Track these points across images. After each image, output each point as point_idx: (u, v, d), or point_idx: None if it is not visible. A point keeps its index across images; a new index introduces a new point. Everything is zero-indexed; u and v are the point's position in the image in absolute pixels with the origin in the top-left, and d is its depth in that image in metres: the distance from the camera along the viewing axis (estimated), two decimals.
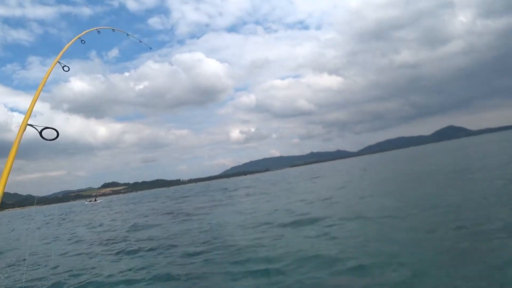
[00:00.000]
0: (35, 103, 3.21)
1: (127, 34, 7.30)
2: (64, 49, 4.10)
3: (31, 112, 3.07)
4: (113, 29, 6.73)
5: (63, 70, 4.17)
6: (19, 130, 2.92)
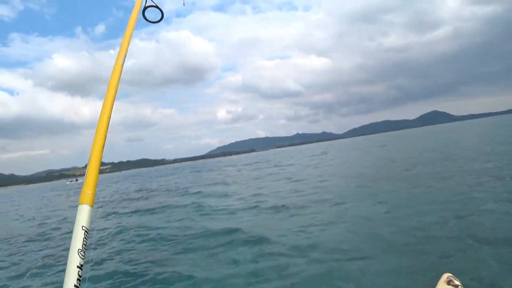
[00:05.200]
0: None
1: None
2: None
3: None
4: None
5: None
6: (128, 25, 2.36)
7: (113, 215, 16.72)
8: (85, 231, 1.51)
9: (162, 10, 2.62)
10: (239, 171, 41.38)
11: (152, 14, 2.63)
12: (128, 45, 2.32)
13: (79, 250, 1.46)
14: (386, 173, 19.24)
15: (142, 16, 2.56)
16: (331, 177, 20.94)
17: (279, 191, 17.16)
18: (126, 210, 17.76)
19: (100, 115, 1.90)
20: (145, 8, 2.58)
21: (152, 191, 28.25)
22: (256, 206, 13.67)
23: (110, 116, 1.92)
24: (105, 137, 1.86)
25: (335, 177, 20.74)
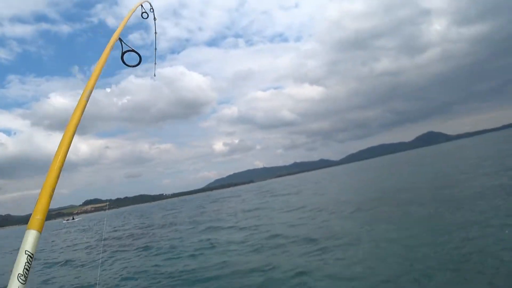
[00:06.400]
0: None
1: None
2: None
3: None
4: None
5: (142, 17, 3.66)
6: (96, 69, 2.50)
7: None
8: (29, 255, 1.46)
9: (140, 54, 2.73)
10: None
11: (130, 58, 2.74)
12: (95, 82, 2.39)
13: (20, 275, 1.41)
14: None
15: (121, 60, 2.71)
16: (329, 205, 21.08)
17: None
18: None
19: (61, 141, 1.94)
20: (124, 52, 2.69)
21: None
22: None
23: (70, 142, 1.96)
24: (63, 162, 1.86)
25: (332, 204, 20.88)
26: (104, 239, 24.39)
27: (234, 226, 18.54)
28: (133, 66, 2.74)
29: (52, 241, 30.90)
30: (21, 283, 1.39)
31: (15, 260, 1.43)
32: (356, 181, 43.22)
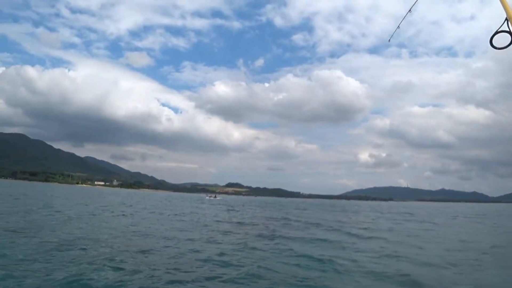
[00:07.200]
0: None
1: None
2: None
3: None
4: None
5: None
6: None
7: None
8: None
9: None
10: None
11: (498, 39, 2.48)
12: None
13: None
14: None
15: (489, 40, 2.48)
16: None
17: None
18: None
19: None
20: (496, 32, 2.45)
21: None
22: None
23: None
24: None
25: None
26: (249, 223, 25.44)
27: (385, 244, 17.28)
28: (501, 49, 2.49)
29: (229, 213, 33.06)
30: None
31: None
32: None
